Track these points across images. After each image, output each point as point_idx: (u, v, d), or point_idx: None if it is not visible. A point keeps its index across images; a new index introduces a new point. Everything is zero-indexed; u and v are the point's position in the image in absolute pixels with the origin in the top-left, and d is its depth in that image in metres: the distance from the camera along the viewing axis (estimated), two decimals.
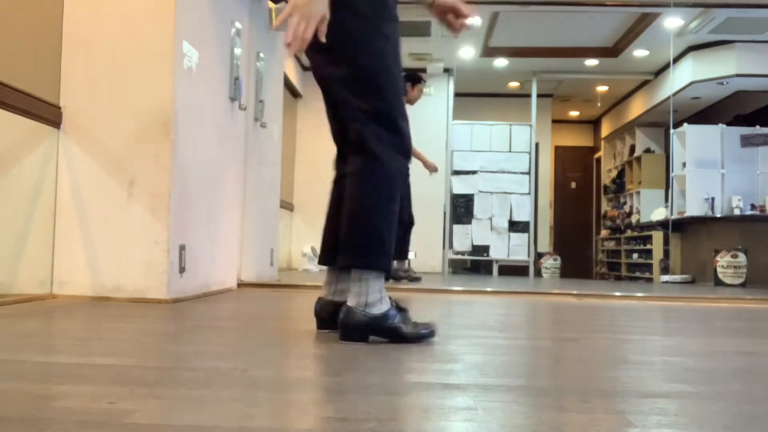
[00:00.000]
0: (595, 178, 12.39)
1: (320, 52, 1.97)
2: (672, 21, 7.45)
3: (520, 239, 9.10)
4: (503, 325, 2.67)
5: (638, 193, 10.43)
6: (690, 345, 2.21)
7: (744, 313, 3.78)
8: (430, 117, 8.80)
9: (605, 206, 11.90)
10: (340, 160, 2.20)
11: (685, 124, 8.52)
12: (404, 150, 2.03)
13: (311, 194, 8.33)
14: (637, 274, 9.66)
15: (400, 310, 1.98)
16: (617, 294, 4.79)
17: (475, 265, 9.54)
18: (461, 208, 9.16)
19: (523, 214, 9.11)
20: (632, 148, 10.87)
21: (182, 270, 3.20)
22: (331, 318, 2.15)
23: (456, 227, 9.14)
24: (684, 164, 8.38)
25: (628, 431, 1.05)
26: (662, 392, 1.37)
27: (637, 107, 10.25)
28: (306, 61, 2.26)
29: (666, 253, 8.71)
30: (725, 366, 1.76)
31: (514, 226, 9.10)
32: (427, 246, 8.83)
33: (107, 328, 2.17)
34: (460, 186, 9.16)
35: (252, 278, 4.58)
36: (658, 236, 9.01)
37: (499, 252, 9.10)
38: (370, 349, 1.84)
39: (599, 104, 11.13)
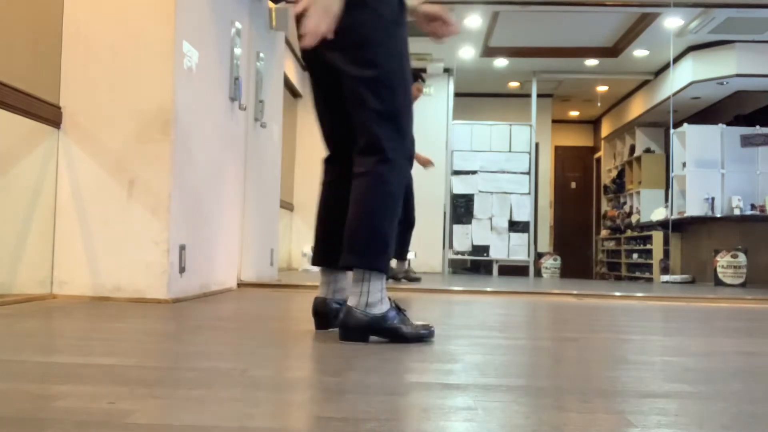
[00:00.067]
0: (595, 178, 12.40)
1: (338, 50, 1.97)
2: (672, 21, 7.45)
3: (520, 239, 9.10)
4: (503, 325, 2.67)
5: (638, 193, 10.43)
6: (690, 345, 2.21)
7: (744, 313, 3.78)
8: (430, 117, 8.79)
9: (605, 206, 11.90)
10: (335, 163, 2.20)
11: (685, 124, 8.52)
12: (410, 154, 2.08)
13: (311, 194, 8.29)
14: (637, 274, 9.66)
15: (400, 310, 1.99)
16: (617, 294, 4.79)
17: (475, 265, 9.54)
18: (461, 208, 9.16)
19: (523, 214, 9.11)
20: (632, 148, 10.87)
21: (182, 270, 3.20)
22: (330, 317, 2.16)
23: (456, 227, 9.14)
24: (684, 164, 8.38)
25: (628, 431, 1.05)
26: (662, 392, 1.37)
27: (637, 107, 10.25)
28: None
29: (666, 253, 8.71)
30: (725, 366, 1.76)
31: (514, 226, 9.11)
32: (427, 246, 8.83)
33: (107, 328, 2.17)
34: (460, 186, 9.16)
35: (252, 278, 4.58)
36: (658, 236, 9.01)
37: (499, 252, 9.10)
38: (370, 349, 1.84)
39: (599, 104, 11.13)
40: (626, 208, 10.92)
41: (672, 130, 8.40)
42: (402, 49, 2.04)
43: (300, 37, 1.85)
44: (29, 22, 2.97)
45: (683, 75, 8.40)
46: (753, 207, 8.10)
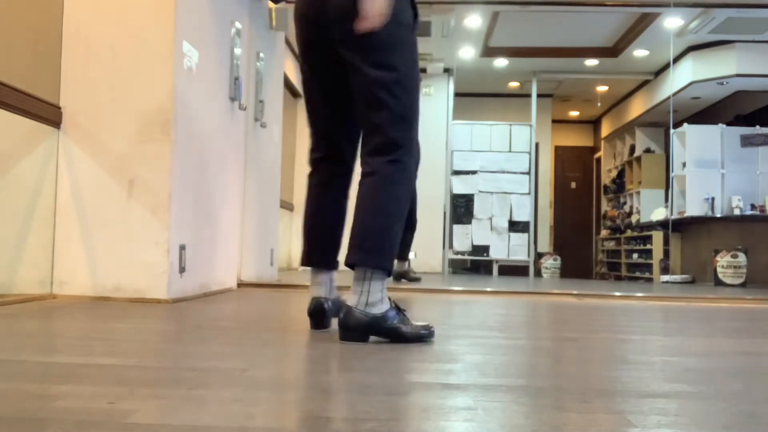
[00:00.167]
0: (595, 178, 12.40)
1: (358, 51, 1.99)
2: (672, 21, 7.45)
3: (520, 239, 9.10)
4: (503, 325, 2.67)
5: (638, 193, 10.44)
6: (690, 345, 2.21)
7: (744, 313, 3.78)
8: (430, 117, 8.79)
9: (605, 206, 11.90)
10: (329, 162, 2.20)
11: (685, 124, 8.52)
12: (416, 157, 2.12)
13: None
14: (637, 274, 9.66)
15: (399, 310, 1.99)
16: (617, 294, 4.79)
17: (475, 265, 9.54)
18: (461, 208, 9.16)
19: (523, 214, 9.11)
20: (632, 148, 10.87)
21: (182, 270, 3.20)
22: (327, 317, 2.17)
23: (456, 227, 9.14)
24: (684, 164, 8.38)
25: (628, 431, 1.05)
26: (662, 392, 1.37)
27: (637, 107, 10.25)
28: None
29: (666, 253, 8.71)
30: (725, 366, 1.76)
31: (514, 226, 9.11)
32: (427, 246, 8.83)
33: (107, 328, 2.17)
34: (460, 186, 9.16)
35: (252, 278, 4.58)
36: (658, 236, 9.01)
37: (499, 252, 9.10)
38: (370, 349, 1.84)
39: (599, 104, 11.14)
40: (626, 208, 10.92)
41: (672, 130, 8.40)
42: (416, 56, 2.09)
43: (362, 21, 1.91)
44: (29, 22, 2.97)
45: (683, 75, 8.40)
46: (753, 207, 8.10)
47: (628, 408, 1.21)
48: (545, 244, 10.97)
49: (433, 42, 8.23)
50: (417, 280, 5.69)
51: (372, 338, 1.95)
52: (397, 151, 2.01)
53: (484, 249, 9.10)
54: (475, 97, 10.42)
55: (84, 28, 3.11)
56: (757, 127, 8.26)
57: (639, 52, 8.54)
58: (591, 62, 9.10)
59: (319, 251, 2.20)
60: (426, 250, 8.83)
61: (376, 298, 1.94)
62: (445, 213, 9.20)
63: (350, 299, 1.95)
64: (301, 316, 2.59)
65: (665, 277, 8.19)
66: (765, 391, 1.43)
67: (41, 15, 3.04)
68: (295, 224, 8.32)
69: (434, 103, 9.20)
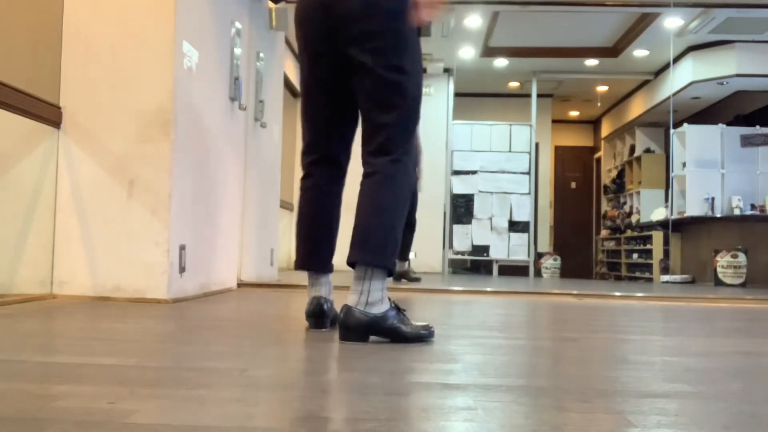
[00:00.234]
0: (595, 178, 12.40)
1: (372, 52, 2.01)
2: (672, 21, 7.45)
3: (520, 239, 9.10)
4: (503, 325, 2.67)
5: (638, 193, 10.44)
6: (690, 345, 2.21)
7: (744, 313, 3.78)
8: (430, 117, 8.79)
9: (605, 206, 11.90)
10: (325, 164, 2.21)
11: (685, 124, 8.52)
12: (414, 157, 2.17)
13: None
14: (637, 274, 9.67)
15: (399, 310, 1.99)
16: (617, 294, 4.79)
17: (475, 265, 9.54)
18: (461, 208, 9.16)
19: (523, 214, 9.11)
20: (632, 148, 10.87)
21: (182, 270, 3.20)
22: (327, 318, 2.18)
23: (456, 227, 9.14)
24: (684, 164, 8.38)
25: (628, 431, 1.05)
26: (662, 392, 1.37)
27: (637, 107, 10.25)
28: None
29: (666, 253, 8.72)
30: (725, 366, 1.76)
31: (514, 226, 9.11)
32: (427, 246, 8.82)
33: (107, 328, 2.17)
34: (460, 186, 9.17)
35: (252, 278, 4.58)
36: (658, 236, 9.02)
37: (499, 252, 9.10)
38: (370, 349, 1.84)
39: (599, 104, 11.14)
40: (626, 208, 10.92)
41: (672, 130, 8.40)
42: (421, 60, 2.14)
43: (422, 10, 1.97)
44: (29, 22, 2.97)
45: (683, 75, 8.40)
46: (753, 207, 8.10)
47: (628, 408, 1.21)
48: (545, 244, 10.97)
49: (433, 42, 8.23)
50: (417, 280, 5.70)
51: (372, 338, 1.94)
52: (398, 152, 2.04)
53: (484, 249, 9.10)
54: (475, 97, 10.42)
55: (84, 28, 3.11)
56: (757, 127, 8.26)
57: (639, 52, 8.54)
58: (591, 62, 9.10)
59: (317, 255, 2.21)
60: (426, 250, 8.83)
61: (376, 297, 1.94)
62: (445, 213, 9.20)
63: (350, 299, 1.95)
64: (301, 316, 2.59)
65: (665, 277, 8.19)
66: (765, 391, 1.43)
67: (41, 15, 3.04)
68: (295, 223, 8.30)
69: (434, 103, 9.20)
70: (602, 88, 10.40)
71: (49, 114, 3.00)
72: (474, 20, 7.76)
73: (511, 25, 7.93)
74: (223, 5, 3.84)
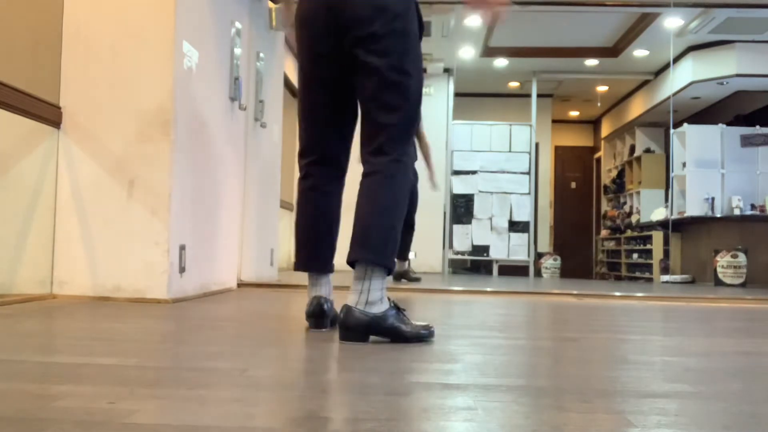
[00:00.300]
0: (595, 178, 12.40)
1: (379, 54, 2.03)
2: (672, 21, 7.45)
3: (520, 239, 9.10)
4: (503, 325, 2.67)
5: (638, 193, 10.44)
6: (690, 345, 2.21)
7: (744, 313, 3.78)
8: (430, 117, 8.78)
9: (605, 206, 11.90)
10: (325, 164, 2.21)
11: (685, 124, 8.52)
12: (413, 157, 2.16)
13: None
14: (637, 274, 9.67)
15: (399, 310, 1.99)
16: (617, 294, 4.79)
17: (475, 265, 9.54)
18: (461, 208, 9.16)
19: (523, 214, 9.11)
20: (632, 148, 10.87)
21: (182, 270, 3.20)
22: (327, 318, 2.18)
23: (456, 227, 9.15)
24: (684, 164, 8.38)
25: (628, 431, 1.05)
26: (662, 392, 1.37)
27: (637, 107, 10.25)
28: None
29: (666, 253, 8.72)
30: (725, 366, 1.76)
31: (514, 226, 9.11)
32: (427, 246, 8.83)
33: (107, 328, 2.17)
34: (460, 186, 9.17)
35: (252, 278, 4.58)
36: (658, 236, 9.02)
37: (499, 252, 9.10)
38: (370, 349, 1.84)
39: (599, 104, 11.14)
40: (626, 208, 10.92)
41: (672, 130, 8.41)
42: (422, 62, 2.16)
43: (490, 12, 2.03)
44: (29, 22, 2.97)
45: (683, 75, 8.40)
46: (753, 207, 8.10)
47: (628, 408, 1.21)
48: (545, 244, 10.97)
49: (433, 42, 8.23)
50: (417, 280, 5.70)
51: (372, 338, 1.95)
52: (398, 152, 2.05)
53: (484, 249, 9.10)
54: (475, 97, 10.42)
55: (84, 28, 3.11)
56: (757, 127, 8.26)
57: (639, 52, 8.54)
58: (591, 62, 9.10)
59: (317, 256, 2.21)
60: (426, 250, 8.83)
61: (375, 297, 1.94)
62: (445, 213, 9.21)
63: (350, 298, 1.95)
64: (301, 316, 2.59)
65: (665, 277, 8.19)
66: (765, 391, 1.43)
67: (41, 15, 3.04)
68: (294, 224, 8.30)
69: (434, 103, 9.20)
70: (602, 88, 10.41)
71: (49, 114, 3.00)
72: (474, 20, 7.76)
73: (511, 25, 7.93)
74: (223, 5, 3.84)
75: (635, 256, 9.87)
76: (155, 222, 3.04)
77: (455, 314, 3.11)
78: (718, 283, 7.44)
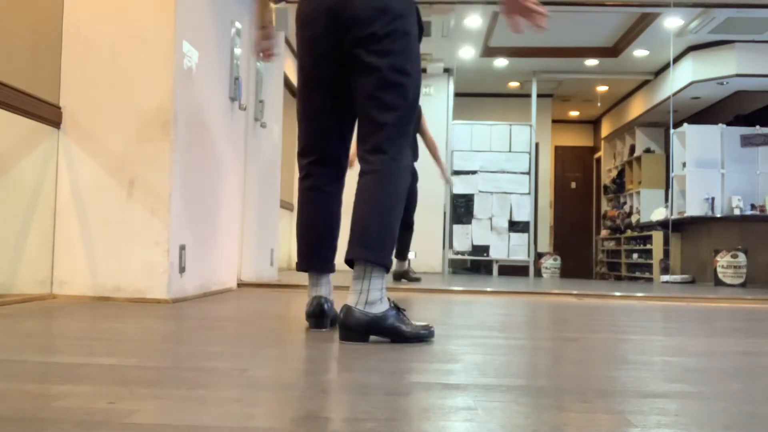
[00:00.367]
0: (595, 178, 12.40)
1: (380, 54, 2.04)
2: (672, 21, 7.45)
3: (520, 239, 9.10)
4: (503, 325, 2.67)
5: (638, 193, 10.44)
6: (690, 345, 2.21)
7: (744, 313, 3.78)
8: (430, 117, 8.72)
9: (605, 206, 11.90)
10: (325, 164, 2.21)
11: (685, 124, 8.52)
12: (412, 156, 2.17)
13: None
14: (637, 274, 9.67)
15: (399, 310, 1.99)
16: (617, 294, 4.79)
17: (475, 265, 9.54)
18: (461, 208, 9.16)
19: (523, 214, 9.11)
20: (632, 148, 10.87)
21: (182, 270, 3.20)
22: (327, 317, 2.18)
23: (456, 227, 9.14)
24: (684, 164, 8.38)
25: (628, 431, 1.05)
26: (662, 392, 1.37)
27: (637, 107, 10.25)
28: None
29: (666, 253, 8.72)
30: (725, 366, 1.76)
31: (514, 226, 9.11)
32: (427, 246, 8.83)
33: (107, 328, 2.17)
34: (460, 186, 9.16)
35: (252, 278, 4.58)
36: (658, 236, 9.02)
37: (499, 252, 9.10)
38: (370, 349, 1.84)
39: (599, 104, 11.14)
40: (626, 208, 10.92)
41: (672, 130, 8.40)
42: (420, 62, 2.18)
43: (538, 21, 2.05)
44: (29, 22, 2.97)
45: (683, 75, 8.40)
46: (753, 207, 8.10)
47: (628, 408, 1.21)
48: (545, 244, 10.97)
49: (433, 42, 8.23)
50: (417, 280, 5.70)
51: (372, 338, 1.95)
52: (395, 150, 2.06)
53: (484, 249, 9.10)
54: (475, 97, 10.42)
55: (84, 28, 3.11)
56: (757, 127, 8.26)
57: (639, 52, 8.54)
58: (591, 62, 9.10)
59: (318, 256, 2.21)
60: (426, 250, 8.83)
61: (375, 297, 1.94)
62: (445, 213, 9.20)
63: (350, 298, 1.95)
64: (301, 316, 2.59)
65: (665, 277, 8.19)
66: (765, 391, 1.43)
67: (41, 15, 3.04)
68: (295, 224, 8.30)
69: (434, 103, 9.20)
70: (602, 88, 10.41)
71: (49, 114, 3.00)
72: (474, 20, 7.76)
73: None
74: (223, 5, 3.84)
75: (635, 256, 9.87)
76: (155, 222, 3.04)
77: (455, 314, 3.11)
78: (718, 283, 7.44)
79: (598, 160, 12.29)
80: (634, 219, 10.34)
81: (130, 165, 3.07)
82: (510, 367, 1.65)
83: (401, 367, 1.58)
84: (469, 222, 9.13)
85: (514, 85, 10.30)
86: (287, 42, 6.14)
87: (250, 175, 4.58)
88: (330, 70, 2.13)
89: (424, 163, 5.88)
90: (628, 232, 10.28)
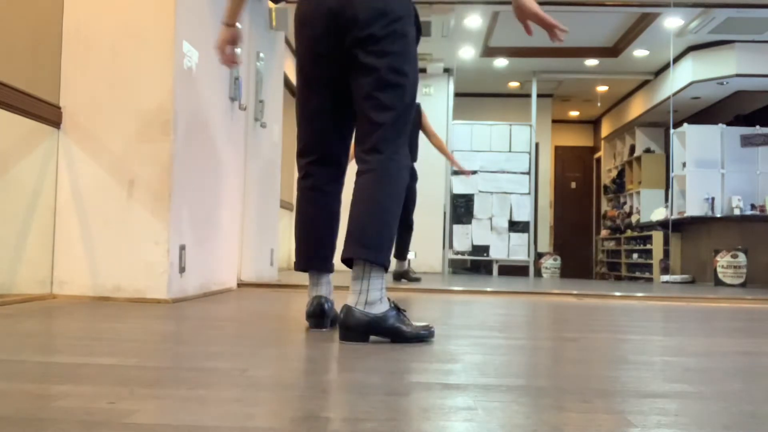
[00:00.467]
0: (595, 178, 12.40)
1: (379, 54, 2.06)
2: (672, 21, 7.45)
3: (520, 239, 9.10)
4: (503, 325, 2.67)
5: (638, 193, 10.44)
6: (690, 345, 2.21)
7: (744, 313, 3.78)
8: (430, 117, 8.73)
9: (605, 206, 11.90)
10: (324, 165, 2.21)
11: (685, 124, 8.52)
12: (410, 156, 2.19)
13: None
14: (637, 274, 9.67)
15: (399, 310, 1.99)
16: (617, 294, 4.79)
17: (475, 265, 9.54)
18: (461, 208, 9.16)
19: (523, 214, 9.11)
20: (632, 148, 10.87)
21: (182, 270, 3.20)
22: (327, 317, 2.18)
23: (456, 227, 9.15)
24: (684, 164, 8.38)
25: (628, 431, 1.05)
26: (662, 392, 1.37)
27: (637, 107, 10.25)
28: None
29: (666, 253, 8.72)
30: (725, 366, 1.76)
31: (514, 226, 9.11)
32: (427, 246, 8.83)
33: (107, 328, 2.17)
34: (460, 186, 9.17)
35: (252, 278, 4.58)
36: (658, 236, 9.02)
37: (499, 252, 9.10)
38: (370, 349, 1.84)
39: (599, 104, 11.14)
40: (626, 208, 10.92)
41: (672, 130, 8.41)
42: (417, 63, 2.20)
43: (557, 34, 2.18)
44: (29, 22, 2.97)
45: (683, 75, 8.40)
46: (753, 207, 8.10)
47: (628, 408, 1.21)
48: (545, 244, 10.97)
49: (433, 42, 8.23)
50: (417, 280, 5.70)
51: (372, 338, 1.95)
52: (392, 150, 2.06)
53: (484, 249, 9.10)
54: (475, 97, 10.42)
55: (84, 28, 3.11)
56: (757, 127, 8.26)
57: (639, 52, 8.54)
58: (591, 62, 9.10)
59: (317, 256, 2.22)
60: (426, 250, 8.83)
61: (375, 297, 1.94)
62: (445, 213, 9.21)
63: (350, 299, 1.95)
64: (301, 316, 2.59)
65: (665, 277, 8.19)
66: (765, 391, 1.43)
67: (41, 15, 3.04)
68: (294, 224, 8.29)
69: (434, 103, 9.20)
70: (602, 88, 10.41)
71: (49, 114, 3.00)
72: (474, 20, 7.76)
73: (511, 25, 7.92)
74: (223, 5, 3.83)
75: (635, 256, 9.87)
76: (155, 222, 3.04)
77: (455, 314, 3.11)
78: (718, 283, 7.44)
79: (598, 160, 12.29)
80: (634, 219, 10.34)
81: (130, 165, 3.07)
82: (510, 367, 1.65)
83: (401, 367, 1.58)
84: (469, 222, 9.13)
85: (514, 85, 10.30)
86: (287, 42, 6.14)
87: (250, 175, 4.58)
88: (329, 70, 2.14)
89: (423, 163, 5.88)
90: (628, 232, 10.28)
